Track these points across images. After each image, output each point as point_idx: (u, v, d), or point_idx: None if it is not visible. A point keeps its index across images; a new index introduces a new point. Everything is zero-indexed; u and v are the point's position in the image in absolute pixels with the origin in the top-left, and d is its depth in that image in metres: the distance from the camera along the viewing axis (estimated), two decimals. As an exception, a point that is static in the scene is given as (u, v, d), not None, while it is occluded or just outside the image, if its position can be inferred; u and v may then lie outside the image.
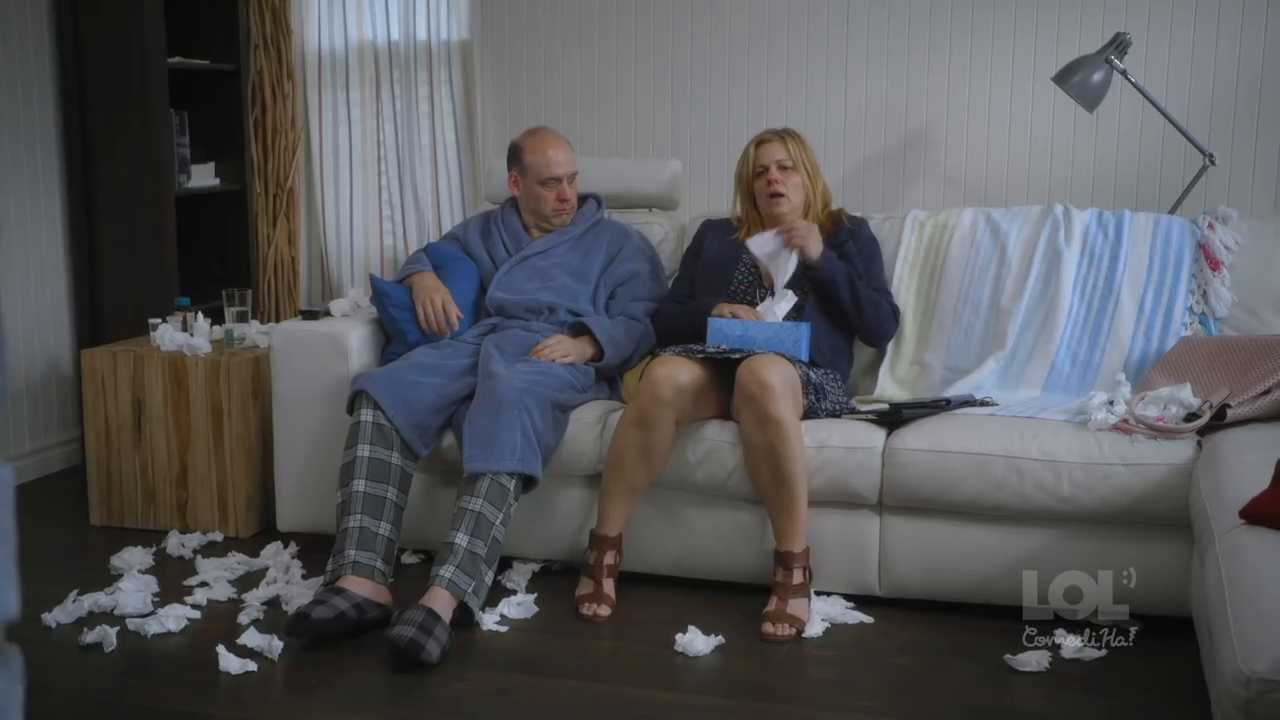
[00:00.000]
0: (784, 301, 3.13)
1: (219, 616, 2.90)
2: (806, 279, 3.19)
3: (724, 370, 2.95)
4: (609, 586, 2.94)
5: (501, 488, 2.85)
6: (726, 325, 3.07)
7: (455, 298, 3.33)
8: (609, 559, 2.94)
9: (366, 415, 2.97)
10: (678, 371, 2.88)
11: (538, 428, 2.92)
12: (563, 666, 2.64)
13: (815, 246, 3.17)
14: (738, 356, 2.89)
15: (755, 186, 3.31)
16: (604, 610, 2.90)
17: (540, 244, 3.45)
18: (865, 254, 3.30)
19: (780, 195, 3.25)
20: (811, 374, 3.03)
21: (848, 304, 3.18)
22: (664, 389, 2.86)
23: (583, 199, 3.58)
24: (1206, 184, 3.67)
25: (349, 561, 2.82)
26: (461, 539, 2.78)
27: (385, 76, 4.39)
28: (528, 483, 2.92)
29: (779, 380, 2.79)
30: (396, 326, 3.31)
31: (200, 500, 3.51)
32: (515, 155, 3.49)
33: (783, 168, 3.27)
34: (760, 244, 3.21)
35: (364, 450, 2.94)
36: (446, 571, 2.74)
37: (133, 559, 3.19)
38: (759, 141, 3.34)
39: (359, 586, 2.79)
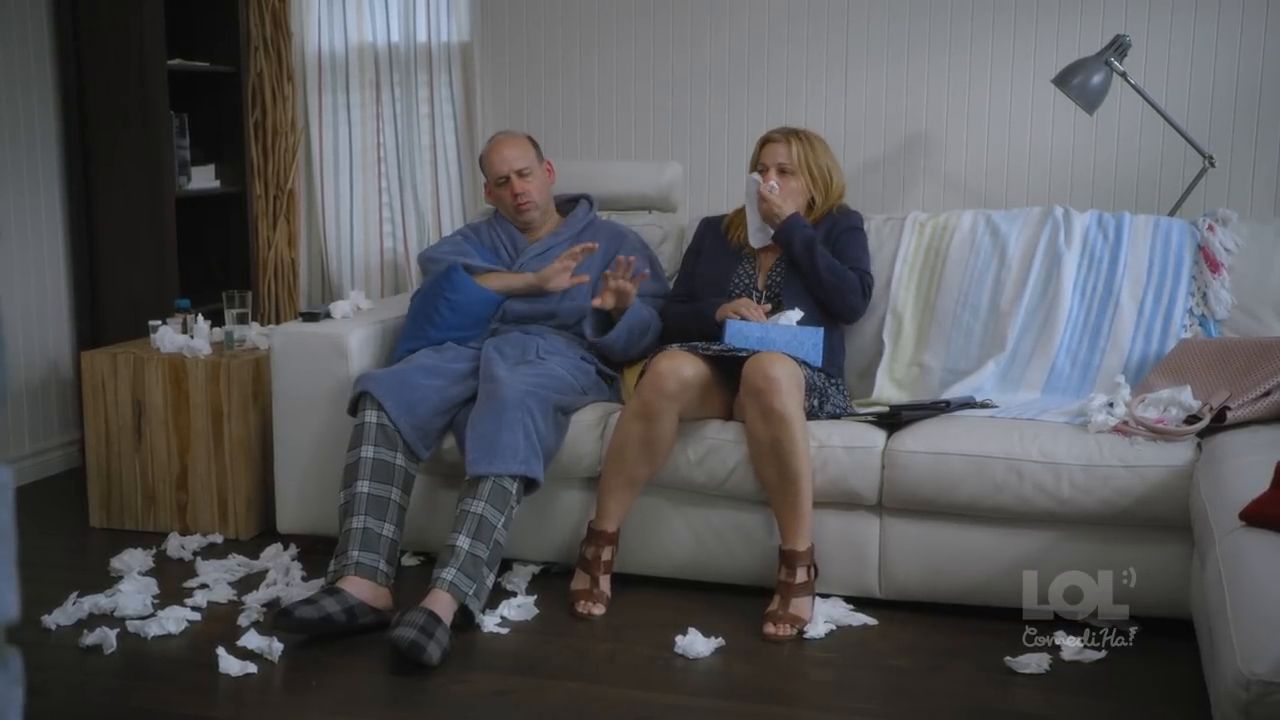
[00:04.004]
0: (791, 313, 3.13)
1: (219, 618, 2.90)
2: (775, 241, 3.24)
3: (728, 372, 2.96)
4: (605, 584, 2.94)
5: (504, 490, 2.85)
6: (746, 328, 3.06)
7: (484, 299, 3.32)
8: (606, 555, 2.94)
9: (370, 416, 2.97)
10: (682, 365, 2.88)
11: (540, 430, 2.92)
12: (562, 668, 2.64)
13: (778, 216, 3.20)
14: (744, 354, 2.90)
15: None
16: (598, 609, 2.90)
17: (536, 248, 3.44)
18: (845, 238, 3.27)
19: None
20: (816, 378, 3.03)
21: (804, 264, 3.18)
22: (669, 382, 2.86)
23: (573, 199, 3.58)
24: (1206, 186, 3.68)
25: (352, 562, 2.83)
26: (463, 542, 2.78)
27: (385, 78, 4.40)
28: (529, 485, 2.92)
29: (784, 375, 2.80)
30: (435, 311, 3.26)
31: (200, 502, 3.51)
32: (480, 166, 3.54)
33: (782, 171, 3.27)
34: (749, 185, 3.25)
35: (368, 451, 2.94)
36: (448, 574, 2.74)
37: (132, 561, 3.19)
38: (765, 140, 3.33)
39: (360, 588, 2.80)
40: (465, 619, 2.77)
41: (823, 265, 3.17)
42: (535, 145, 3.53)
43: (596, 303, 3.21)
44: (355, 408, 3.03)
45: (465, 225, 3.67)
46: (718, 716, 2.44)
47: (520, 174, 3.42)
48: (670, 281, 3.56)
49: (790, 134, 3.30)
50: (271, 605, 2.95)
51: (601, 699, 2.49)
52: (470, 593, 2.75)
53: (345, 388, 3.17)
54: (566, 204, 3.61)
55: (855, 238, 3.30)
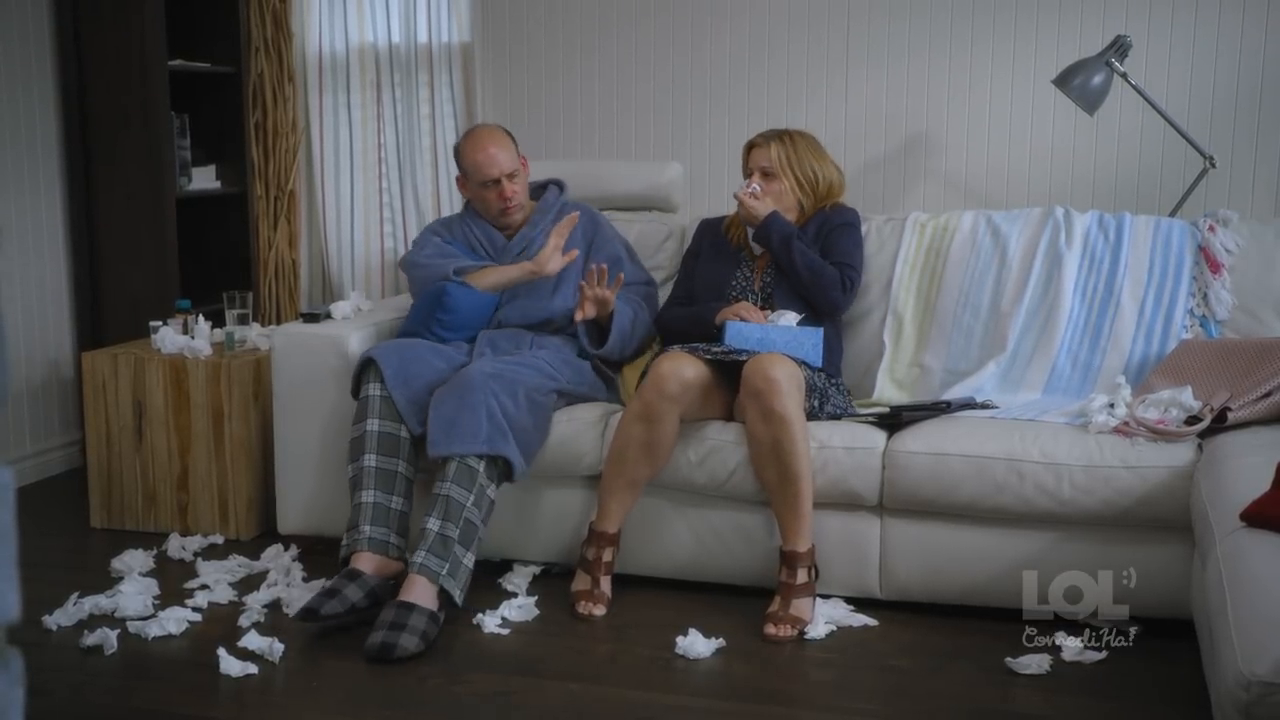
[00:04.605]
0: (790, 314, 3.13)
1: (219, 619, 2.90)
2: (755, 241, 3.25)
3: (729, 373, 2.96)
4: (605, 585, 2.95)
5: (469, 469, 2.85)
6: (746, 329, 3.06)
7: (481, 305, 3.30)
8: (607, 556, 2.94)
9: (374, 390, 2.98)
10: (683, 367, 2.88)
11: (508, 411, 2.91)
12: (563, 669, 2.64)
13: (756, 217, 3.20)
14: (744, 357, 2.90)
15: None
16: (599, 609, 2.90)
17: (516, 243, 3.38)
18: (834, 234, 3.26)
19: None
20: (817, 379, 3.03)
21: (782, 260, 3.18)
22: (670, 384, 2.86)
23: (543, 185, 3.53)
24: (1207, 186, 3.67)
25: (365, 537, 2.87)
26: (433, 523, 2.79)
27: (386, 79, 4.40)
28: (507, 472, 2.92)
29: (785, 376, 2.80)
30: (429, 331, 3.23)
31: (201, 503, 3.51)
32: (457, 158, 3.42)
33: (765, 174, 3.27)
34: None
35: (373, 425, 2.95)
36: (418, 557, 2.76)
37: (133, 561, 3.19)
38: (750, 145, 3.33)
39: (372, 565, 2.84)
40: (449, 601, 2.78)
41: (799, 261, 3.17)
42: (513, 140, 3.43)
43: (579, 316, 3.18)
44: (358, 384, 3.03)
45: (435, 222, 3.56)
46: (718, 717, 2.44)
47: (510, 177, 3.35)
48: (668, 284, 3.56)
49: (773, 137, 3.30)
50: (272, 606, 2.95)
51: (602, 699, 2.50)
52: (443, 572, 2.75)
53: (346, 388, 3.17)
54: (536, 190, 3.53)
55: (845, 233, 3.29)
